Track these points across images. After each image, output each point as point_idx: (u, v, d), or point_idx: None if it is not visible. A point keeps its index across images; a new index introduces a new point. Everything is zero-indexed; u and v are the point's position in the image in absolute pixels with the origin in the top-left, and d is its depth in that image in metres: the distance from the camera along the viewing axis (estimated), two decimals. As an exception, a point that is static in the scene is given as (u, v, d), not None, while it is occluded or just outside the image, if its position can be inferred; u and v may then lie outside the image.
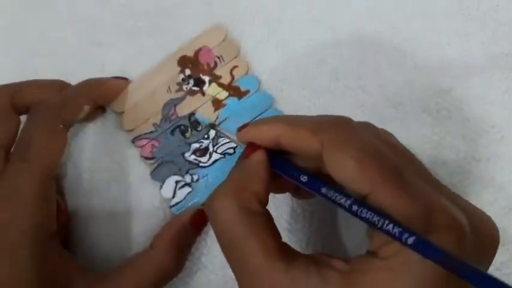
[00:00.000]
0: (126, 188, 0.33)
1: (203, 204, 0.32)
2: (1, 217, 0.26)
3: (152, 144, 0.33)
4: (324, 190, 0.22)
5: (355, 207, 0.20)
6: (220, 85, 0.33)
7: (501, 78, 0.31)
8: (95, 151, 0.33)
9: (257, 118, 0.32)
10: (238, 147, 0.32)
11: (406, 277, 0.19)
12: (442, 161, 0.30)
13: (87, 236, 0.32)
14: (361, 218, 0.20)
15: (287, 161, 0.24)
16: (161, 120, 0.33)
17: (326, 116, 0.24)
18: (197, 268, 0.31)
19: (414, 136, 0.31)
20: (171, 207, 0.32)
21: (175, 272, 0.30)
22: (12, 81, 0.30)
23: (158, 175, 0.32)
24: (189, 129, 0.33)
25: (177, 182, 0.32)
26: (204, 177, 0.32)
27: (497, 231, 0.22)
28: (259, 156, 0.24)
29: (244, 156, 0.25)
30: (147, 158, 0.33)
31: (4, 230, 0.26)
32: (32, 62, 0.36)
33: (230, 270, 0.30)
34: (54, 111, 0.29)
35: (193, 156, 0.32)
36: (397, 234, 0.19)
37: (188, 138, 0.33)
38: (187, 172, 0.32)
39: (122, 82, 0.34)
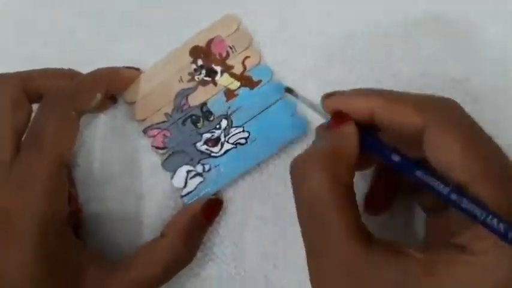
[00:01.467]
0: (138, 178, 0.33)
1: (214, 194, 0.32)
2: (12, 206, 0.26)
3: (164, 134, 0.33)
4: (419, 173, 0.21)
5: (454, 196, 0.19)
6: (233, 75, 0.33)
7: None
8: (106, 141, 0.33)
9: (269, 109, 0.32)
10: (250, 137, 0.32)
11: (497, 275, 0.18)
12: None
13: (99, 225, 0.32)
14: (460, 208, 0.19)
15: (378, 137, 0.23)
16: (173, 110, 0.33)
17: (431, 95, 0.23)
18: (209, 258, 0.31)
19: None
20: (182, 196, 0.32)
21: (187, 260, 0.30)
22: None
23: (169, 165, 0.32)
24: (201, 119, 0.33)
25: (188, 172, 0.32)
26: (215, 167, 0.32)
27: None
28: (351, 128, 0.23)
29: (332, 125, 0.24)
30: (158, 148, 0.33)
31: (14, 218, 0.26)
32: (42, 54, 0.36)
33: (242, 261, 0.30)
34: (66, 99, 0.29)
35: (204, 146, 0.32)
36: (502, 230, 0.18)
37: (200, 128, 0.33)
38: (198, 162, 0.32)
39: (134, 72, 0.34)
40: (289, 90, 0.29)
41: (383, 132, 0.23)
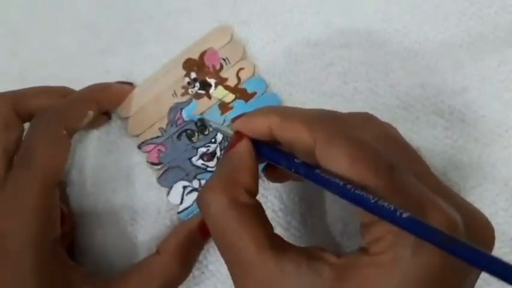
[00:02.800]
0: (132, 195, 0.32)
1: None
2: (2, 227, 0.26)
3: (159, 149, 0.32)
4: (318, 171, 0.21)
5: (349, 187, 0.19)
6: (227, 88, 0.33)
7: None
8: (100, 158, 0.33)
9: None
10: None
11: (396, 274, 0.18)
12: (454, 165, 0.29)
13: (94, 243, 0.32)
14: (354, 199, 0.19)
15: (275, 148, 0.24)
16: (167, 124, 0.32)
17: (319, 109, 0.24)
18: (205, 277, 0.31)
19: (426, 139, 0.30)
20: (178, 213, 0.31)
21: (182, 278, 0.30)
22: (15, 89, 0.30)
23: (165, 181, 0.32)
24: (196, 134, 0.32)
25: (184, 188, 0.32)
26: (211, 182, 0.31)
27: (492, 230, 0.22)
28: (243, 146, 0.24)
29: (229, 147, 0.25)
30: (153, 164, 0.32)
31: (5, 241, 0.25)
32: (35, 70, 0.35)
33: None
34: (57, 117, 0.29)
35: (200, 161, 0.32)
36: (391, 209, 0.18)
37: (195, 142, 0.32)
38: (194, 177, 0.32)
39: (127, 87, 0.33)
40: (201, 120, 0.32)
41: (283, 146, 0.24)
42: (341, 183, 0.20)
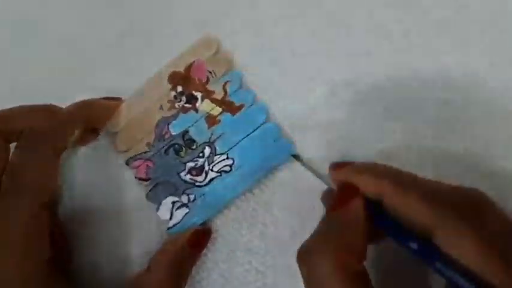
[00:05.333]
0: (122, 211, 0.32)
1: (201, 224, 0.31)
2: None
3: (147, 165, 0.32)
4: (438, 265, 0.20)
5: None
6: (214, 101, 0.32)
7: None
8: (88, 175, 0.33)
9: (252, 134, 0.31)
10: (234, 164, 0.31)
11: None
12: (445, 175, 0.28)
13: (85, 261, 0.32)
14: None
15: (392, 220, 0.22)
16: (154, 139, 0.32)
17: (451, 186, 0.22)
18: (197, 293, 0.31)
19: (416, 149, 0.29)
20: (168, 229, 0.31)
21: None
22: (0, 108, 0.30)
23: (154, 196, 0.32)
24: (184, 148, 0.32)
25: (173, 203, 0.31)
26: (200, 196, 0.31)
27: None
28: (358, 206, 0.22)
29: (339, 203, 0.23)
30: (142, 179, 0.32)
31: None
32: (20, 87, 0.35)
33: None
34: (44, 138, 0.28)
35: (189, 176, 0.32)
36: None
37: (183, 157, 0.32)
38: (183, 192, 0.31)
39: (113, 102, 0.33)
40: (296, 157, 0.30)
41: (390, 211, 0.22)
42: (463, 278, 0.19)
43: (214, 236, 0.31)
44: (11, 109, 0.30)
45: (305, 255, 0.22)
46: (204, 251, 0.31)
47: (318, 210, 0.30)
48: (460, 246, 0.20)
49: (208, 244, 0.31)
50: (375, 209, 0.23)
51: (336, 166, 0.24)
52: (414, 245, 0.21)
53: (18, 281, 0.25)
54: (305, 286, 0.22)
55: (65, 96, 0.31)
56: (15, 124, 0.29)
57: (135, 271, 0.31)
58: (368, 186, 0.22)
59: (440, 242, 0.20)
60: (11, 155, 0.28)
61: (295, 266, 0.29)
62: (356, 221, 0.22)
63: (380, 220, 0.22)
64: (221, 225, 0.31)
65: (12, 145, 0.29)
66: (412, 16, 0.31)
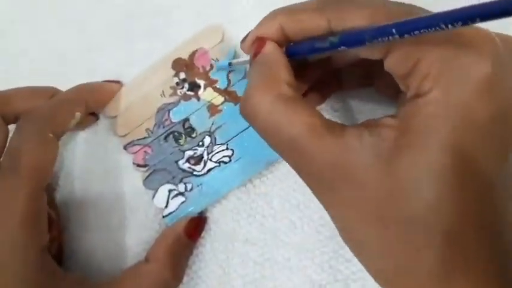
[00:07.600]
0: (120, 198, 0.32)
1: (198, 214, 0.31)
2: None
3: (145, 151, 0.32)
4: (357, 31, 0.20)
5: (380, 25, 0.19)
6: (216, 90, 0.32)
7: None
8: (87, 160, 0.32)
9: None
10: (233, 156, 0.31)
11: (453, 93, 0.18)
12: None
13: (81, 247, 0.32)
14: (398, 28, 0.18)
15: (298, 41, 0.23)
16: (154, 125, 0.32)
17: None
18: (195, 283, 0.31)
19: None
20: (164, 217, 0.31)
21: (173, 285, 0.29)
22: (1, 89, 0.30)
23: (151, 183, 0.31)
24: (183, 136, 0.32)
25: (170, 191, 0.31)
26: (198, 186, 0.31)
27: None
28: (270, 46, 0.24)
29: (254, 54, 0.24)
30: (139, 166, 0.32)
31: None
32: (21, 68, 0.34)
33: (229, 285, 0.30)
34: (43, 120, 0.28)
35: (187, 164, 0.31)
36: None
37: (182, 145, 0.31)
38: (180, 181, 0.31)
39: (114, 85, 0.32)
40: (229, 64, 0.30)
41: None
42: (373, 27, 0.19)
43: (212, 226, 0.31)
44: (11, 90, 0.30)
45: (245, 102, 0.22)
46: (203, 241, 0.31)
47: (318, 204, 0.30)
48: (349, 16, 0.21)
49: (207, 235, 0.31)
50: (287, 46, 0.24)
51: (242, 40, 0.25)
52: (328, 41, 0.21)
53: (19, 263, 0.25)
54: (259, 132, 0.22)
55: (65, 77, 0.31)
56: (15, 106, 0.29)
57: (131, 258, 0.31)
58: (268, 28, 0.23)
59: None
60: (10, 136, 0.28)
61: (293, 259, 0.29)
62: (274, 56, 0.23)
63: (290, 49, 0.24)
64: (220, 216, 0.31)
65: (12, 127, 0.29)
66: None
